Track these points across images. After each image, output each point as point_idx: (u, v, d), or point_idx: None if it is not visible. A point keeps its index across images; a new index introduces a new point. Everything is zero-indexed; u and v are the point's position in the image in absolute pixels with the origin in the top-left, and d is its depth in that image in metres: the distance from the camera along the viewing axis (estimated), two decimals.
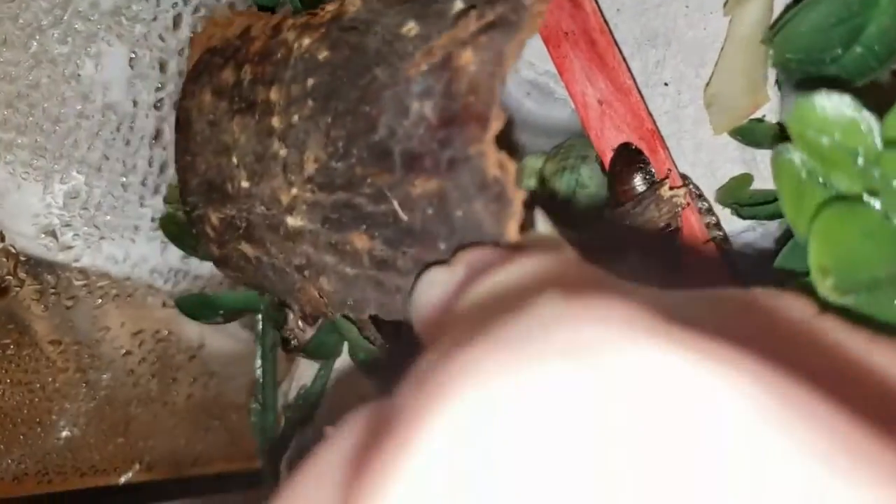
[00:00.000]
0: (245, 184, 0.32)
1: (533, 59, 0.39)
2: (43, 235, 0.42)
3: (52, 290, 0.44)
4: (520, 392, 0.10)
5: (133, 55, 0.42)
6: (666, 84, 0.37)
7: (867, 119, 0.22)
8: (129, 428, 0.49)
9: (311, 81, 0.29)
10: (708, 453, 0.10)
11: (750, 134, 0.36)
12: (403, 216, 0.26)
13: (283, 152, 0.30)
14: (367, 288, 0.29)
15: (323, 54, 0.29)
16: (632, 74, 0.36)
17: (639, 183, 0.34)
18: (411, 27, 0.27)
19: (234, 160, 0.32)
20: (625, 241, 0.32)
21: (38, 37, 0.39)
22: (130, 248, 0.45)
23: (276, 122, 0.30)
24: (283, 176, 0.30)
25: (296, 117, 0.29)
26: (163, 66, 0.43)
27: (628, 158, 0.35)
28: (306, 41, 0.30)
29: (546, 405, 0.10)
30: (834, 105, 0.22)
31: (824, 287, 0.22)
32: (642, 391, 0.11)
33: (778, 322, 0.19)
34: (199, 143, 0.34)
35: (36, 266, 0.43)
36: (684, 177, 0.37)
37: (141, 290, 0.46)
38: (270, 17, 0.34)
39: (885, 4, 0.28)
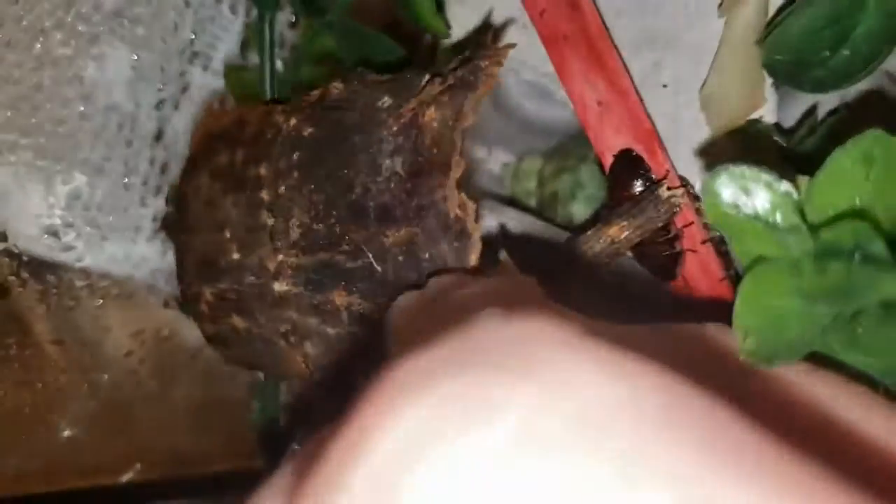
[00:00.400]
0: (236, 255, 0.34)
1: (533, 62, 0.39)
2: (45, 236, 0.42)
3: (54, 291, 0.44)
4: (459, 400, 0.11)
5: (135, 57, 0.42)
6: (665, 86, 0.37)
7: (782, 190, 0.23)
8: (130, 427, 0.50)
9: (296, 155, 0.32)
10: (602, 445, 0.12)
11: (748, 136, 0.36)
12: (377, 267, 0.28)
13: (270, 221, 0.32)
14: (348, 346, 0.31)
15: (307, 130, 0.32)
16: (630, 76, 0.36)
17: (639, 189, 0.35)
18: (385, 100, 0.30)
19: (227, 234, 0.34)
20: (580, 273, 0.33)
21: (41, 39, 0.39)
22: (132, 249, 0.45)
23: (265, 194, 0.33)
24: (271, 244, 0.32)
25: (283, 188, 0.32)
26: (164, 68, 0.43)
27: (628, 164, 0.35)
28: (293, 121, 0.33)
29: (479, 412, 0.11)
30: (747, 177, 0.23)
31: (745, 348, 0.23)
32: (560, 397, 0.12)
33: (719, 349, 0.21)
34: (196, 224, 0.36)
35: (38, 266, 0.43)
36: (682, 178, 0.37)
37: (142, 290, 0.46)
38: (263, 107, 0.36)
39: (872, 7, 0.28)
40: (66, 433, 0.47)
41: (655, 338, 0.22)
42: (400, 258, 0.28)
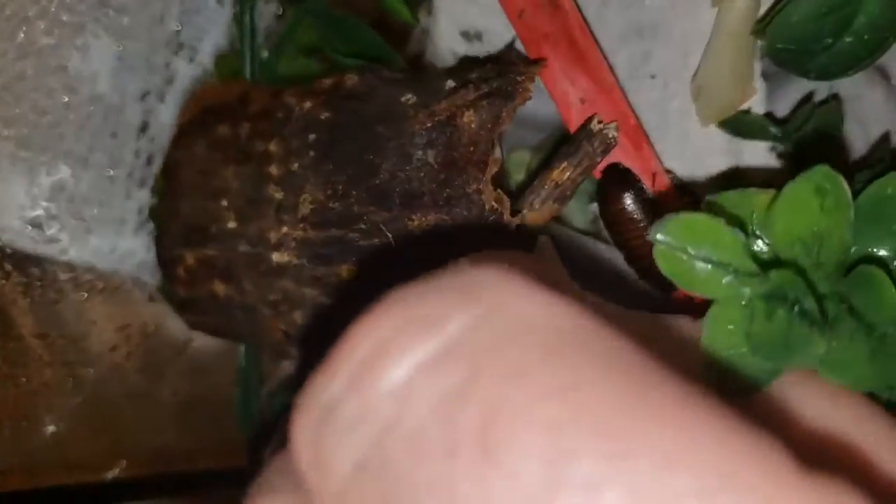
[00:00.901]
0: (232, 224, 0.35)
1: (521, 52, 0.39)
2: (29, 228, 0.42)
3: (38, 284, 0.44)
4: (415, 318, 0.16)
5: (120, 48, 0.42)
6: (653, 77, 0.37)
7: (728, 235, 0.23)
8: (115, 424, 0.49)
9: (312, 136, 0.34)
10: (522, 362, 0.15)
11: (738, 125, 0.36)
12: (392, 244, 0.31)
13: (278, 195, 0.34)
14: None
15: (324, 115, 0.34)
16: (613, 71, 0.36)
17: (629, 202, 0.35)
18: (409, 97, 0.33)
19: (224, 203, 0.36)
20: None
21: (24, 28, 0.39)
22: (117, 242, 0.45)
23: (273, 169, 0.34)
24: (275, 216, 0.34)
25: (295, 165, 0.34)
26: (149, 59, 0.43)
27: (618, 178, 0.35)
28: (308, 104, 0.34)
29: (427, 325, 0.15)
30: (694, 224, 0.23)
31: (708, 382, 0.23)
32: (492, 318, 0.15)
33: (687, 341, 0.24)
34: (186, 190, 0.37)
35: (22, 259, 0.43)
36: (669, 171, 0.37)
37: (128, 284, 0.46)
38: (269, 87, 0.38)
39: None
40: (50, 429, 0.46)
41: (634, 319, 0.24)
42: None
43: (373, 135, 0.33)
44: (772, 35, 0.31)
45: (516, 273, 0.16)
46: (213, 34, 0.45)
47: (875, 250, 0.24)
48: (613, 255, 0.39)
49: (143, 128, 0.44)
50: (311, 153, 0.33)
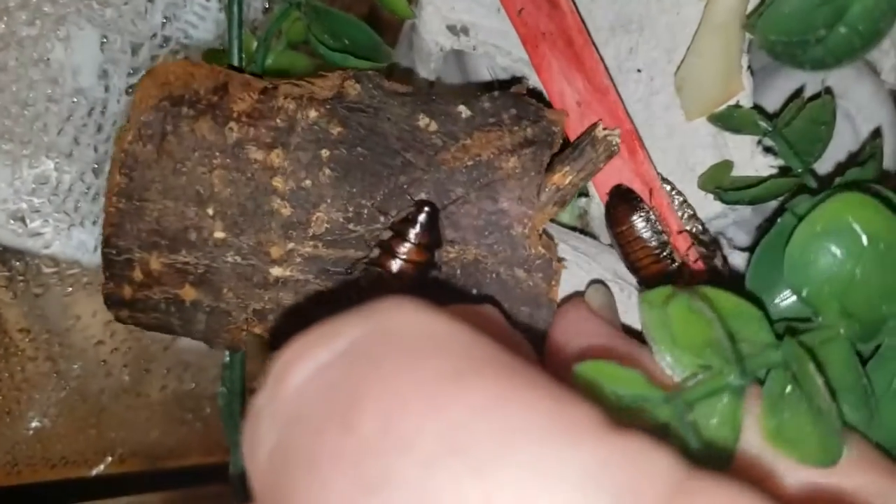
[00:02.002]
0: (220, 234, 0.34)
1: (507, 47, 0.38)
2: (11, 221, 0.42)
3: (21, 278, 0.43)
4: (325, 333, 0.19)
5: (104, 39, 0.42)
6: (639, 70, 0.37)
7: (627, 376, 0.24)
8: (101, 419, 0.49)
9: (325, 153, 0.34)
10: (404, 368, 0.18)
11: (727, 120, 0.36)
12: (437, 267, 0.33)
13: (284, 211, 0.34)
14: None
15: (335, 129, 0.34)
16: (608, 71, 0.36)
17: (637, 221, 0.35)
18: (427, 122, 0.34)
19: (210, 211, 0.34)
20: None
21: (5, 18, 0.39)
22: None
23: (278, 183, 0.34)
24: (281, 231, 0.34)
25: (307, 182, 0.34)
26: (135, 51, 0.43)
27: (623, 199, 0.36)
28: (312, 114, 0.34)
29: (329, 338, 0.19)
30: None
31: None
32: (381, 329, 0.19)
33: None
34: (156, 190, 0.35)
35: (4, 252, 0.43)
36: (665, 179, 0.36)
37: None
38: (249, 78, 0.36)
39: None
40: (34, 424, 0.46)
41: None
42: (458, 271, 0.33)
43: (402, 161, 0.33)
44: (764, 27, 0.31)
45: (411, 301, 0.19)
46: (201, 29, 0.45)
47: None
48: (600, 251, 0.39)
49: None
50: (327, 171, 0.34)
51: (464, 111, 0.34)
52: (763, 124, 0.35)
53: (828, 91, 0.37)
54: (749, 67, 0.36)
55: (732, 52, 0.35)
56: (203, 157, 0.34)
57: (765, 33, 0.32)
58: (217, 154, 0.34)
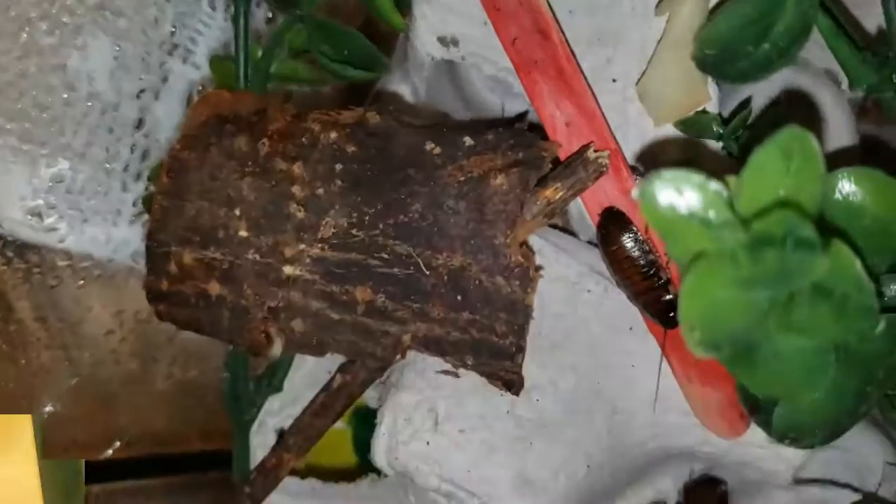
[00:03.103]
0: (243, 233, 0.38)
1: (492, 57, 0.41)
2: (29, 217, 0.44)
3: (37, 270, 0.46)
4: None
5: (117, 48, 0.44)
6: (614, 80, 0.39)
7: (713, 188, 0.25)
8: (110, 405, 0.51)
9: (339, 167, 0.37)
10: None
11: (691, 125, 0.39)
12: (423, 275, 0.36)
13: (299, 214, 0.37)
14: (345, 331, 0.37)
15: (351, 148, 0.38)
16: (595, 97, 0.39)
17: (626, 240, 0.38)
18: (433, 146, 0.37)
19: (237, 212, 0.38)
20: None
21: (27, 28, 0.41)
22: (113, 232, 0.47)
23: (297, 190, 0.37)
24: (294, 233, 0.37)
25: (321, 190, 0.37)
26: (144, 59, 0.45)
27: (613, 221, 0.38)
28: (333, 135, 0.38)
29: None
30: (679, 179, 0.25)
31: (691, 342, 0.25)
32: None
33: None
34: (195, 192, 0.39)
35: (21, 246, 0.45)
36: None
37: (123, 271, 0.48)
38: (286, 106, 0.41)
39: (790, 6, 0.30)
40: (48, 409, 0.49)
41: None
42: (445, 277, 0.36)
43: (403, 176, 0.36)
44: (701, 42, 0.34)
45: None
46: (207, 37, 0.48)
47: None
48: (579, 248, 0.42)
49: (139, 124, 0.46)
50: (339, 182, 0.37)
51: (468, 140, 0.37)
52: (718, 129, 0.38)
53: (790, 96, 0.40)
54: (715, 81, 0.39)
55: (690, 64, 0.37)
56: (237, 165, 0.39)
57: (701, 48, 0.35)
58: (249, 164, 0.39)
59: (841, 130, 0.41)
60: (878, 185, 0.28)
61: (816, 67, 0.42)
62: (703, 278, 0.25)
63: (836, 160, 0.38)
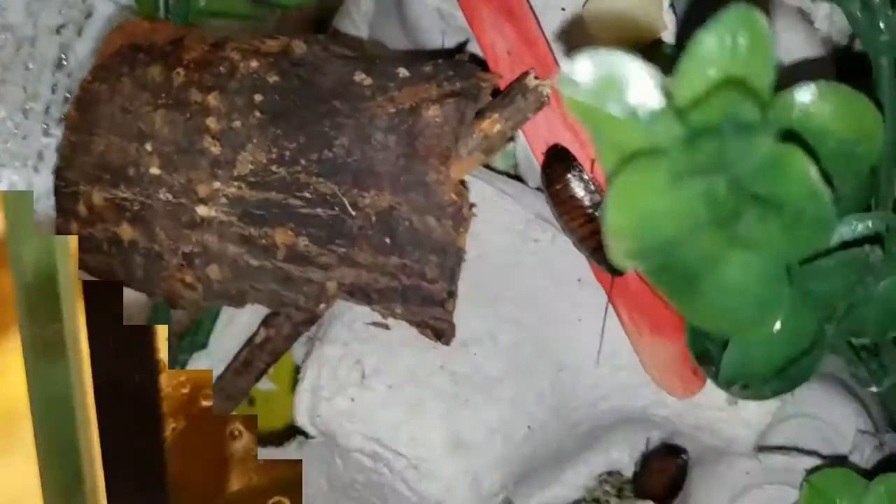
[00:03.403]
0: (155, 170, 0.36)
1: None
2: None
3: None
4: None
5: None
6: (563, 9, 0.37)
7: (645, 73, 0.22)
8: None
9: (258, 97, 0.35)
10: None
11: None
12: (348, 217, 0.33)
13: (214, 150, 0.35)
14: (266, 279, 0.35)
15: (273, 78, 0.35)
16: (539, 23, 0.36)
17: (571, 179, 0.35)
18: (363, 77, 0.34)
19: (149, 148, 0.36)
20: None
21: None
22: (34, 179, 0.44)
23: (212, 122, 0.35)
24: (209, 170, 0.35)
25: (237, 123, 0.34)
26: None
27: (558, 158, 0.36)
28: (254, 64, 0.35)
29: None
30: (611, 63, 0.22)
31: (618, 253, 0.23)
32: None
33: None
34: (104, 126, 0.37)
35: None
36: None
37: (47, 223, 0.45)
38: (204, 33, 0.38)
39: None
40: None
41: None
42: (373, 218, 0.33)
43: (328, 108, 0.34)
44: None
45: None
46: None
47: None
48: (525, 193, 0.39)
49: (60, 62, 0.43)
50: (257, 114, 0.34)
51: (402, 72, 0.35)
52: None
53: None
54: (672, 6, 0.36)
55: None
56: (150, 97, 0.36)
57: None
58: (162, 95, 0.36)
59: (812, 67, 0.38)
60: (843, 100, 0.25)
61: (789, 5, 0.39)
62: (633, 181, 0.22)
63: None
